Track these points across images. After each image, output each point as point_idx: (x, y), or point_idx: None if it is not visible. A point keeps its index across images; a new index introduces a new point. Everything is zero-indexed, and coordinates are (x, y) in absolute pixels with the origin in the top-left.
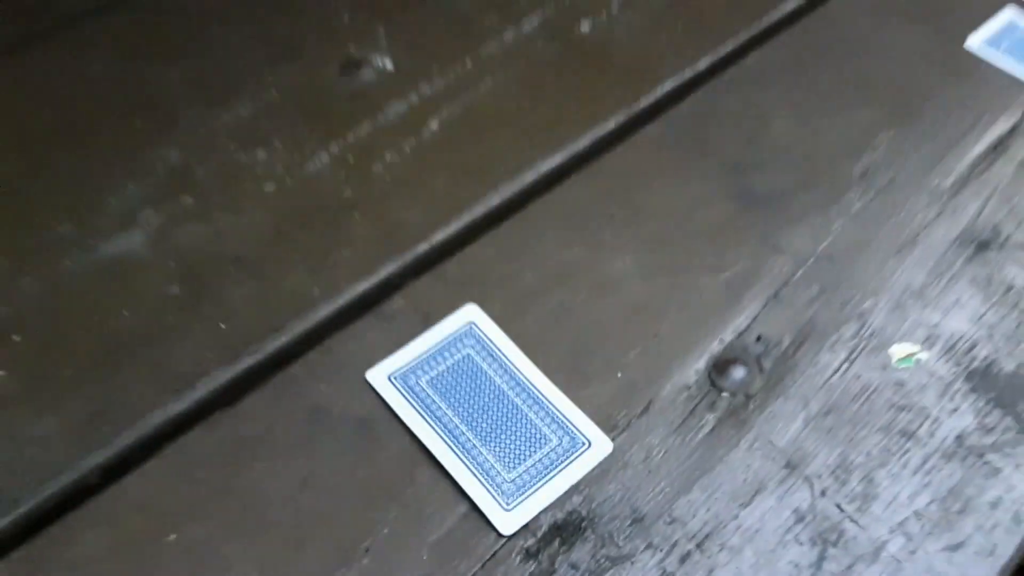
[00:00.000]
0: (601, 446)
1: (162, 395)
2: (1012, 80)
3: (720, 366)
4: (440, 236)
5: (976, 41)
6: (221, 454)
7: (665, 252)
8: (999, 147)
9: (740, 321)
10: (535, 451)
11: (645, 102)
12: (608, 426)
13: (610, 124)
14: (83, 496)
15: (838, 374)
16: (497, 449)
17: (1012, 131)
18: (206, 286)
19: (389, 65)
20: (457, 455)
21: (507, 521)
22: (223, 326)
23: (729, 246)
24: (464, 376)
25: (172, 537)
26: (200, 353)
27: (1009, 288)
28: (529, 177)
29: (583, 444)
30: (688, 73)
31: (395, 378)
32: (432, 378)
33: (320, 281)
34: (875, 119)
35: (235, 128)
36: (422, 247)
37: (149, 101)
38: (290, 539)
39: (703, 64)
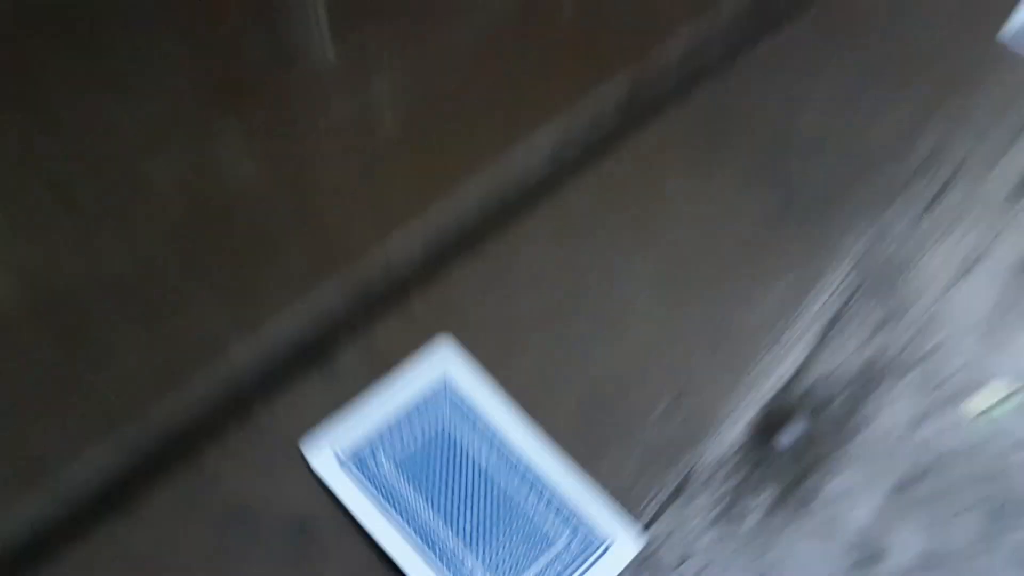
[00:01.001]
0: (626, 544)
1: (26, 494)
2: None
3: (766, 427)
4: (400, 257)
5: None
6: None
7: (687, 276)
8: None
9: (785, 368)
10: (538, 556)
11: (650, 81)
12: (633, 512)
13: (612, 97)
14: None
15: (912, 433)
16: (486, 555)
17: None
18: (85, 337)
19: (331, 55)
20: (430, 566)
21: None
22: (111, 396)
23: (766, 263)
24: (438, 451)
25: None
26: (75, 432)
27: None
28: (513, 173)
29: (602, 543)
30: (703, 46)
31: (344, 456)
32: (396, 456)
33: (239, 321)
34: (926, 96)
35: (134, 127)
36: (375, 273)
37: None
38: None
39: (719, 34)
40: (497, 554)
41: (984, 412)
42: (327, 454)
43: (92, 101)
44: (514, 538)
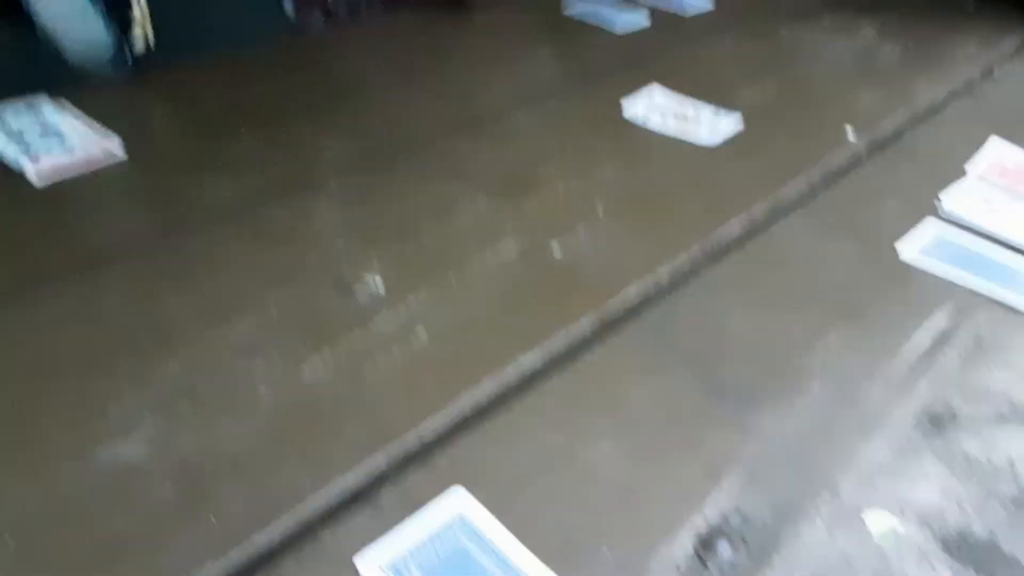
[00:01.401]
0: None
1: None
2: (941, 281)
3: (707, 543)
4: (427, 428)
5: (904, 247)
6: None
7: (644, 439)
8: (941, 336)
9: (720, 497)
10: None
11: (614, 308)
12: None
13: (584, 326)
14: None
15: (820, 545)
16: None
17: (948, 322)
18: (201, 486)
19: (381, 289)
20: None
21: None
22: (213, 520)
23: (703, 431)
24: (455, 563)
25: None
26: (191, 550)
27: (967, 459)
28: (512, 373)
29: None
30: (651, 283)
31: (385, 567)
32: (423, 565)
33: (312, 475)
34: (825, 315)
35: (234, 342)
36: (411, 439)
37: (155, 326)
38: None
39: (664, 275)
40: None
41: (882, 535)
42: (372, 564)
43: (201, 326)
44: None
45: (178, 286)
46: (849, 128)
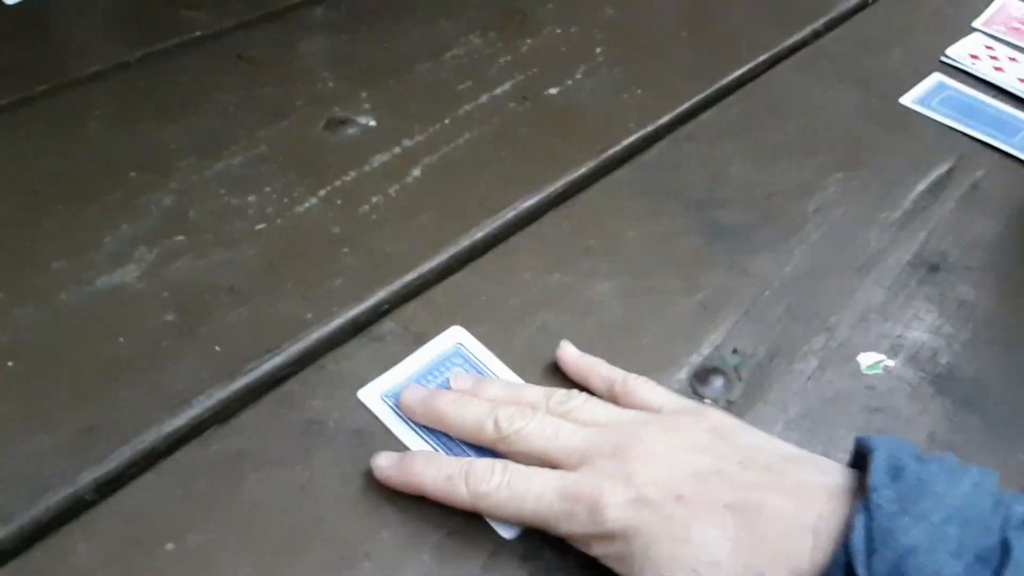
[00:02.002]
0: None
1: (157, 413)
2: (944, 129)
3: (701, 376)
4: (426, 267)
5: (908, 99)
6: (217, 467)
7: (641, 278)
8: (939, 184)
9: (716, 336)
10: None
11: (613, 151)
12: None
13: (582, 168)
14: (79, 509)
15: (812, 381)
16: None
17: (949, 172)
18: (200, 313)
19: (372, 122)
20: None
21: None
22: (218, 348)
23: (701, 272)
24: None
25: (169, 546)
26: (195, 373)
27: (961, 303)
28: (508, 214)
29: None
30: (650, 127)
31: (387, 396)
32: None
33: (313, 307)
34: (823, 164)
35: (227, 176)
36: (409, 276)
37: (143, 155)
38: (290, 545)
39: (663, 119)
40: None
41: (869, 367)
42: (374, 394)
43: (192, 159)
44: None
45: (162, 115)
46: None
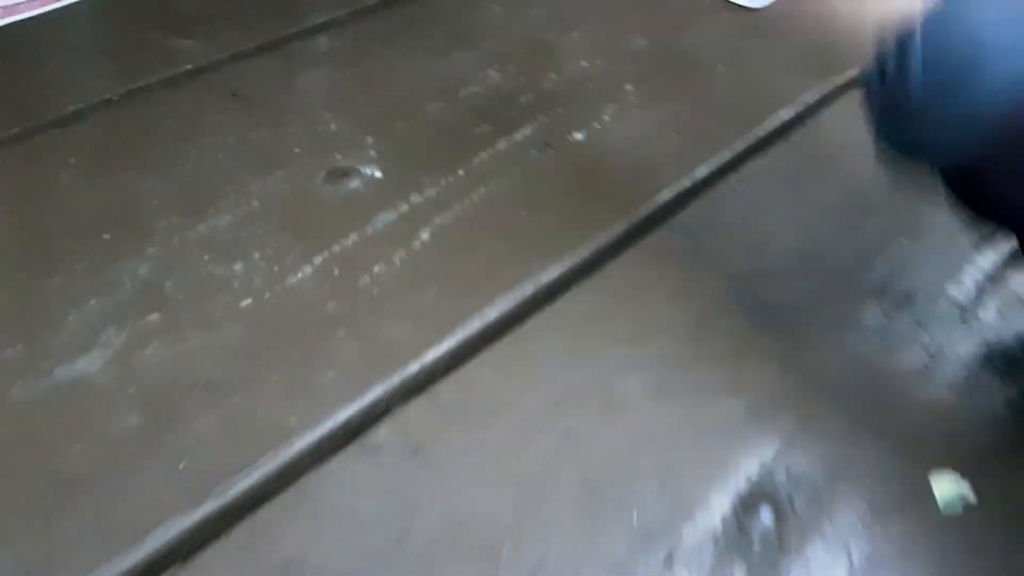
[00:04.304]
0: None
1: (109, 548)
2: None
3: (748, 506)
4: (431, 355)
5: None
6: None
7: (677, 371)
8: (1015, 255)
9: (767, 451)
10: None
11: (645, 210)
12: None
13: (610, 232)
14: None
15: (881, 517)
16: None
17: None
18: (169, 416)
19: (378, 173)
20: None
21: None
22: (183, 465)
23: (746, 365)
24: None
25: None
26: (156, 496)
27: None
28: (528, 289)
29: None
30: (687, 181)
31: None
32: None
33: (298, 408)
34: (884, 229)
35: (212, 240)
36: (412, 368)
37: (120, 212)
38: None
39: (702, 171)
40: None
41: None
42: None
43: (174, 219)
44: None
45: (143, 163)
46: None
